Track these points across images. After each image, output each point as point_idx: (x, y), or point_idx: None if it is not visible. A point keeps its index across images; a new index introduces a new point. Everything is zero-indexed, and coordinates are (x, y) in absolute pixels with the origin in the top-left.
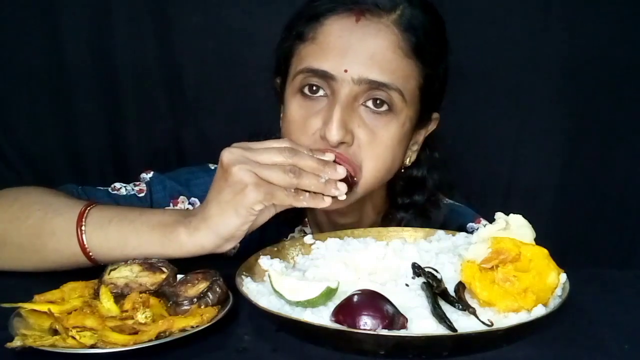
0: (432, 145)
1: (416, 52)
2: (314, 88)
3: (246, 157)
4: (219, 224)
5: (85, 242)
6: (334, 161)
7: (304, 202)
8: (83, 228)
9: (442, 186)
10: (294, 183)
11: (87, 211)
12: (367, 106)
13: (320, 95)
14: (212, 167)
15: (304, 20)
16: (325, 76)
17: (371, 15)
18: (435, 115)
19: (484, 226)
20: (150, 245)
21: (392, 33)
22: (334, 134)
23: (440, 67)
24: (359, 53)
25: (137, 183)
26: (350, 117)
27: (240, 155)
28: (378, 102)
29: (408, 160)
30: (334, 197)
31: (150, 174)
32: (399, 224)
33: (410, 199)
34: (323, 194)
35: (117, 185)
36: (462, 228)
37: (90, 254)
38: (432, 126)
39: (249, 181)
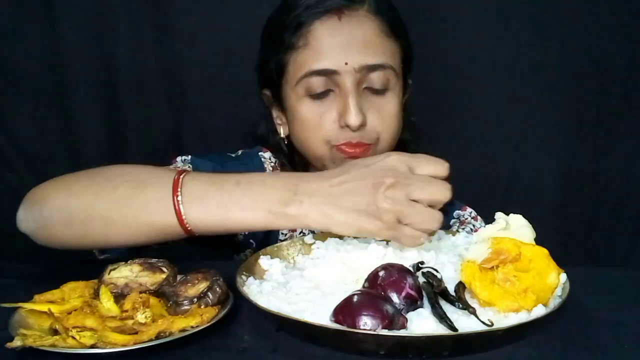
0: (409, 110)
1: (393, 31)
2: (320, 90)
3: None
4: (332, 225)
5: (183, 215)
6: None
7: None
8: (179, 199)
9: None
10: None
11: (180, 180)
12: (369, 89)
13: (327, 94)
14: (233, 155)
15: (290, 32)
16: (329, 73)
17: (349, 10)
18: (410, 81)
19: (470, 214)
20: (255, 222)
21: (371, 20)
22: (355, 119)
23: (409, 37)
24: (352, 45)
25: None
26: (361, 102)
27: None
28: (377, 83)
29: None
30: None
31: (187, 156)
32: None
33: None
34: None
35: None
36: (449, 207)
37: (188, 226)
38: (409, 91)
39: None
